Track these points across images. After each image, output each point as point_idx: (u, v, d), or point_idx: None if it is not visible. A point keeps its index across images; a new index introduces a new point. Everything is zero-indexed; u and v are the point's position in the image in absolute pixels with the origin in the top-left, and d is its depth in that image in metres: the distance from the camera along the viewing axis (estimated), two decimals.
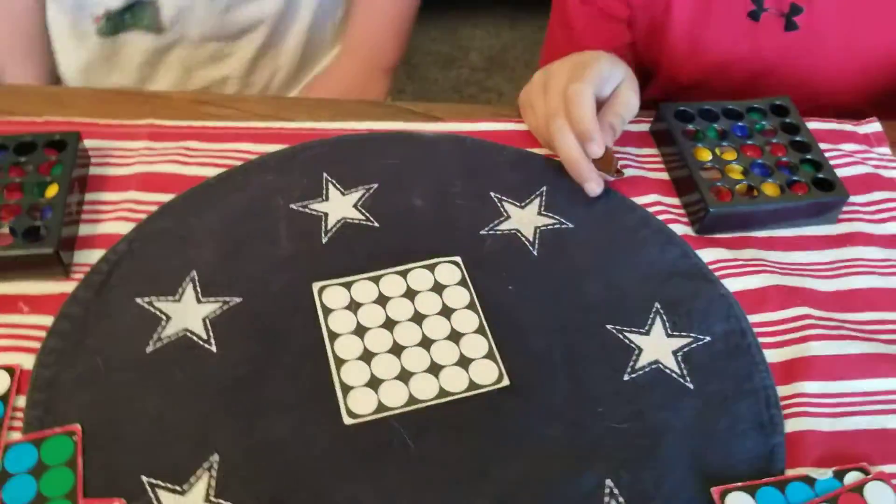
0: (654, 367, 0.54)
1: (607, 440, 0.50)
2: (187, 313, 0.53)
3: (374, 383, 0.51)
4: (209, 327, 0.53)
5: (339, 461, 0.48)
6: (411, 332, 0.54)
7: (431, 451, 0.49)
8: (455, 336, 0.54)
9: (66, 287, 0.54)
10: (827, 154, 0.66)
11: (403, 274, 0.56)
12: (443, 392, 0.51)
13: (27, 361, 0.51)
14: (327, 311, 0.54)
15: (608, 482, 0.48)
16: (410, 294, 0.55)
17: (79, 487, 0.45)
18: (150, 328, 0.53)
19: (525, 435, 0.50)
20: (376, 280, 0.56)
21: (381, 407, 0.50)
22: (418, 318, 0.54)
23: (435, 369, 0.52)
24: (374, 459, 0.48)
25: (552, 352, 0.54)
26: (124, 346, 0.52)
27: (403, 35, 0.96)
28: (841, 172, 0.65)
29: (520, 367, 0.53)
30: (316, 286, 0.55)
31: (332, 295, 0.55)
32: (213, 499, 0.46)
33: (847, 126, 0.71)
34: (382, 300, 0.55)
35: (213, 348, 0.52)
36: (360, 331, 0.53)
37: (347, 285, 0.55)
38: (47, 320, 0.53)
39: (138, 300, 0.54)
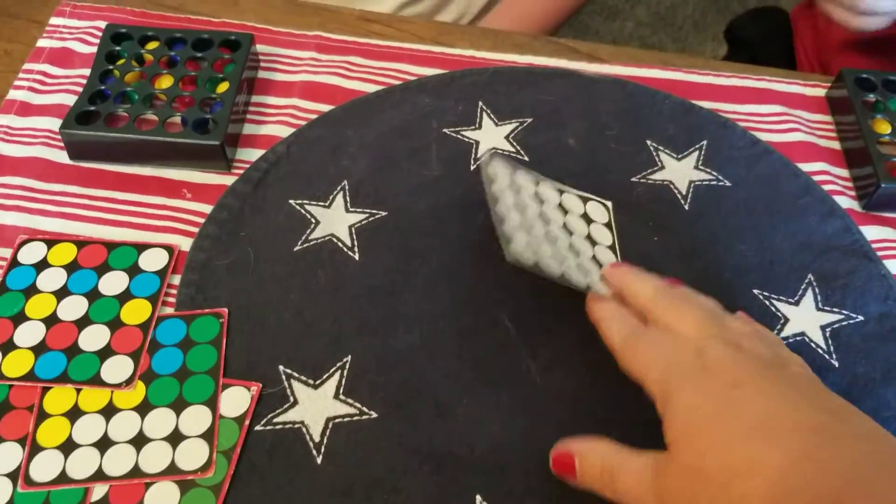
0: (798, 339, 0.51)
1: None
2: (335, 220, 0.55)
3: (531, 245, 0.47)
4: (354, 236, 0.54)
5: (463, 377, 0.49)
6: (562, 235, 0.50)
7: (556, 385, 0.48)
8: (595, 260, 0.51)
9: (226, 180, 0.57)
10: None
11: (559, 191, 0.54)
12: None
13: (185, 244, 0.54)
14: (492, 180, 0.51)
15: None
16: (563, 210, 0.53)
17: (220, 365, 0.48)
18: (299, 228, 0.54)
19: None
20: (536, 182, 0.53)
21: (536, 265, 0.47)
22: (567, 230, 0.51)
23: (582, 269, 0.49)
24: (498, 383, 0.48)
25: None
26: (274, 242, 0.54)
27: None
28: None
29: None
30: (484, 159, 0.52)
31: (498, 170, 0.51)
32: (341, 396, 0.48)
33: None
34: (539, 200, 0.52)
35: (356, 256, 0.53)
36: (520, 208, 0.50)
37: (513, 170, 0.52)
38: (206, 208, 0.55)
39: (291, 201, 0.56)
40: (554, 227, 0.50)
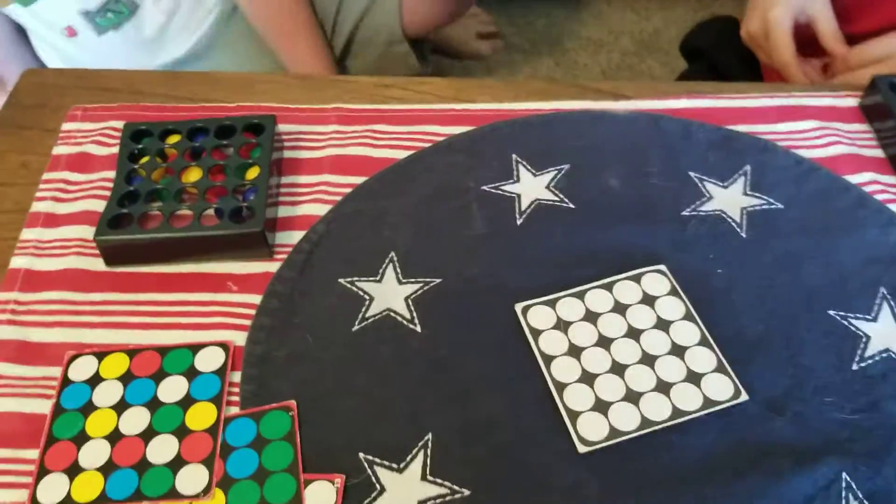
0: (885, 355, 0.50)
1: (840, 431, 0.46)
2: (388, 293, 0.53)
3: (601, 406, 0.48)
4: (412, 307, 0.52)
5: (554, 445, 0.46)
6: (629, 348, 0.50)
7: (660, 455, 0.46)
8: (678, 350, 0.50)
9: (270, 267, 0.55)
10: None
11: (608, 287, 0.53)
12: (677, 412, 0.48)
13: (239, 338, 0.51)
14: (536, 332, 0.51)
15: (844, 476, 0.45)
16: (620, 308, 0.52)
17: (299, 461, 0.46)
18: (354, 307, 0.52)
19: (746, 427, 0.47)
20: (581, 296, 0.53)
21: (613, 432, 0.47)
22: (633, 333, 0.51)
23: (664, 387, 0.49)
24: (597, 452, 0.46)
25: (771, 339, 0.50)
26: (331, 325, 0.52)
27: None
28: None
29: (734, 358, 0.50)
30: (518, 307, 0.52)
31: (537, 315, 0.52)
32: (429, 477, 0.45)
33: None
34: (592, 317, 0.52)
35: (418, 328, 0.51)
36: (575, 351, 0.50)
37: (551, 303, 0.53)
38: (255, 299, 0.53)
39: (341, 280, 0.54)
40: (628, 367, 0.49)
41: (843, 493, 0.44)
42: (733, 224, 0.56)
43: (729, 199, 0.58)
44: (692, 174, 0.59)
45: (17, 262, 0.55)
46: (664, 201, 0.58)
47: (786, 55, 0.73)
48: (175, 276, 0.55)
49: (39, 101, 0.66)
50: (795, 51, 0.73)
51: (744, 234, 0.56)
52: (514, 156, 0.61)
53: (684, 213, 0.57)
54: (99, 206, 0.58)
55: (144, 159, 0.59)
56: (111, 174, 0.59)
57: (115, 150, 0.60)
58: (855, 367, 0.49)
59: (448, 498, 0.45)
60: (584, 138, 0.62)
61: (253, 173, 0.57)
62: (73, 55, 1.04)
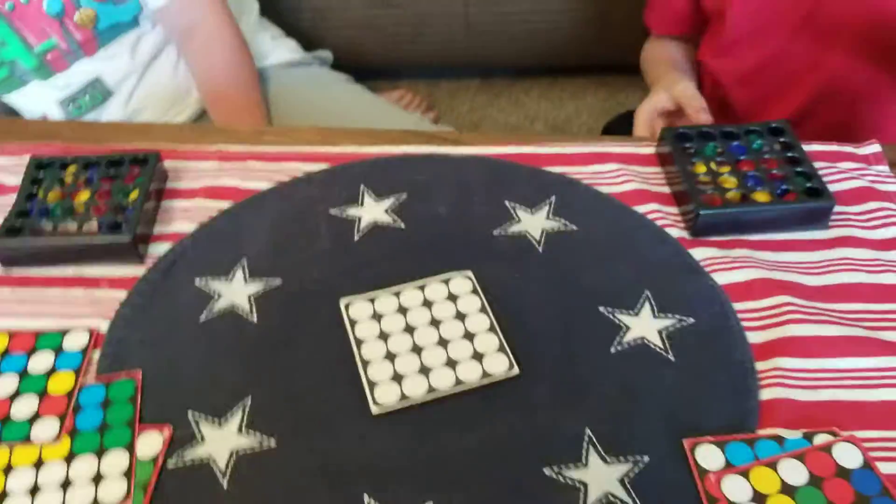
0: (639, 341, 0.60)
1: (590, 398, 0.56)
2: (235, 291, 0.63)
3: (397, 378, 0.57)
4: (252, 303, 0.62)
5: (352, 411, 0.56)
6: (429, 333, 0.60)
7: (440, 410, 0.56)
8: (468, 335, 0.60)
9: (141, 271, 0.65)
10: (823, 171, 0.71)
11: (421, 288, 0.64)
12: (459, 382, 0.57)
13: (104, 325, 0.61)
14: (353, 322, 0.61)
15: (587, 431, 0.54)
16: (427, 304, 0.62)
17: (136, 418, 0.55)
18: (203, 303, 0.62)
19: (516, 392, 0.57)
20: (397, 294, 0.63)
21: (403, 398, 0.56)
22: (435, 322, 0.61)
23: (451, 363, 0.58)
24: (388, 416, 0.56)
25: (547, 328, 0.60)
26: (182, 317, 0.62)
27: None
28: (837, 187, 0.71)
29: (520, 343, 0.60)
30: (343, 301, 0.62)
31: (357, 308, 0.62)
32: (243, 430, 0.54)
33: (847, 147, 0.76)
34: (402, 310, 0.62)
35: (255, 319, 0.61)
36: (384, 336, 0.60)
37: (371, 300, 0.63)
38: (123, 294, 0.63)
39: (196, 281, 0.64)
40: (425, 348, 0.59)
41: (586, 445, 0.54)
42: (533, 242, 0.67)
43: (534, 223, 0.69)
44: (507, 202, 0.70)
45: None
46: (480, 223, 0.69)
47: (639, 132, 0.91)
48: (57, 278, 0.65)
49: None
50: (649, 128, 0.91)
51: (541, 250, 0.66)
52: (362, 186, 0.72)
53: (495, 232, 0.68)
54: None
55: (44, 184, 0.70)
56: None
57: None
58: (613, 350, 0.59)
59: (257, 448, 0.54)
60: (423, 174, 0.73)
61: (133, 195, 0.68)
62: None
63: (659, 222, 0.69)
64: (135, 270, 0.65)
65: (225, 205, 0.71)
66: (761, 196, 0.68)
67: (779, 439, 0.54)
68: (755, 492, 0.51)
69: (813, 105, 0.94)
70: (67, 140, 0.78)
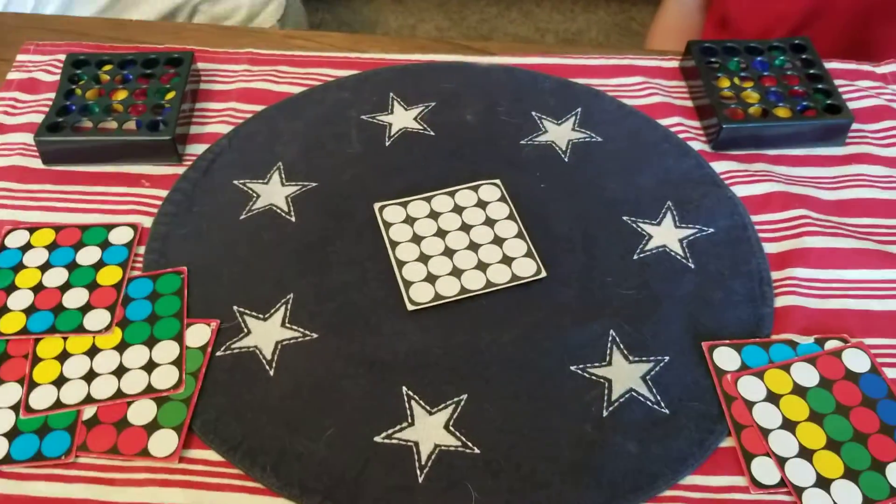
0: (660, 249, 0.63)
1: (614, 301, 0.59)
2: (273, 192, 0.65)
3: (430, 279, 0.60)
4: (290, 203, 0.65)
5: (389, 308, 0.59)
6: (460, 238, 0.63)
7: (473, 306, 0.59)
8: (498, 240, 0.63)
9: (180, 170, 0.67)
10: (842, 89, 0.73)
11: (451, 194, 0.66)
12: (489, 283, 0.60)
13: (147, 222, 0.63)
14: (388, 225, 0.63)
15: (612, 332, 0.58)
16: (458, 209, 0.65)
17: (184, 310, 0.58)
18: (243, 202, 0.65)
19: (545, 295, 0.60)
20: (428, 199, 0.66)
21: (437, 297, 0.59)
22: (465, 227, 0.63)
23: (482, 266, 0.61)
24: (422, 313, 0.59)
25: (572, 235, 0.63)
26: (223, 214, 0.64)
27: None
28: (854, 104, 0.73)
29: (546, 249, 0.62)
30: (377, 206, 0.64)
31: (391, 212, 0.64)
32: (287, 324, 0.57)
33: (866, 66, 0.78)
34: (434, 215, 0.64)
35: (293, 219, 0.64)
36: (417, 239, 0.63)
37: (404, 204, 0.65)
38: (164, 193, 0.65)
39: (235, 182, 0.66)
40: (456, 251, 0.62)
41: (609, 345, 0.57)
42: (559, 152, 0.69)
43: (560, 133, 0.70)
44: (534, 113, 0.72)
45: None
46: (507, 133, 0.71)
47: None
48: (100, 174, 0.67)
49: None
50: None
51: (566, 160, 0.68)
52: (391, 94, 0.74)
53: (522, 142, 0.70)
54: (41, 120, 0.69)
55: (81, 82, 0.71)
56: (54, 95, 0.71)
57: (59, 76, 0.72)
58: (635, 257, 0.62)
59: (300, 339, 0.57)
60: (451, 82, 0.74)
61: (170, 96, 0.70)
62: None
63: (681, 135, 0.71)
64: (174, 169, 0.67)
65: (258, 108, 0.72)
66: (782, 112, 0.70)
67: (792, 344, 0.57)
68: (769, 391, 0.54)
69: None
70: (96, 39, 0.78)
